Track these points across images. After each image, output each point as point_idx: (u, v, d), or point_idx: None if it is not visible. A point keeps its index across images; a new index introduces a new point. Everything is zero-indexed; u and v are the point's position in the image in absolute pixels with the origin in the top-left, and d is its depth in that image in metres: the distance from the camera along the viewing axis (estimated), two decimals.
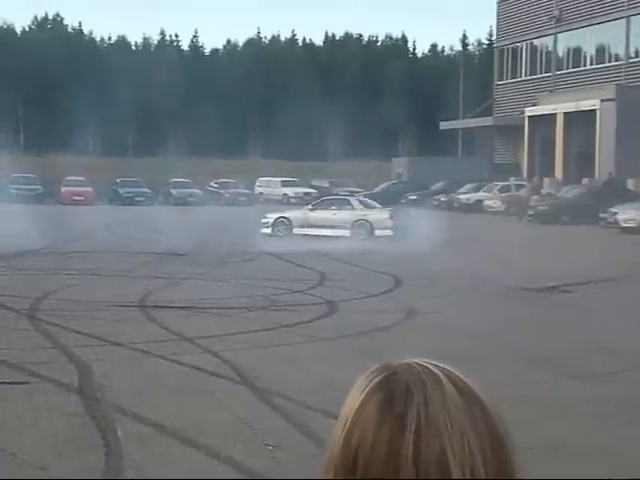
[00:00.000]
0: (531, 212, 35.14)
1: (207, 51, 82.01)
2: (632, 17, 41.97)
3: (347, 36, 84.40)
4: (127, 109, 61.14)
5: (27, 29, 78.07)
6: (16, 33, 76.92)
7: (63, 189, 46.82)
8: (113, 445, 6.55)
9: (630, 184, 36.51)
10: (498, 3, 53.64)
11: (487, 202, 41.58)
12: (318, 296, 14.67)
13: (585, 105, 40.59)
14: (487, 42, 75.68)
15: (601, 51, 44.55)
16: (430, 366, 0.98)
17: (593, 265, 19.57)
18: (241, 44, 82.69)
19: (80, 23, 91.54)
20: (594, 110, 40.13)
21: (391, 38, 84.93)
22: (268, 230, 27.46)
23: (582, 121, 40.89)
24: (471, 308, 13.79)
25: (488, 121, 50.96)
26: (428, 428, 0.93)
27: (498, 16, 53.91)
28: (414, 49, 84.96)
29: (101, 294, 14.31)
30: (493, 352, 10.32)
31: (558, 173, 43.02)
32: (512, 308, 13.89)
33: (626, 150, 37.13)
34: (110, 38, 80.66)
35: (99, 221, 30.97)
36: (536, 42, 49.63)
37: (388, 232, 26.33)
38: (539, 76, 49.01)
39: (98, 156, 61.00)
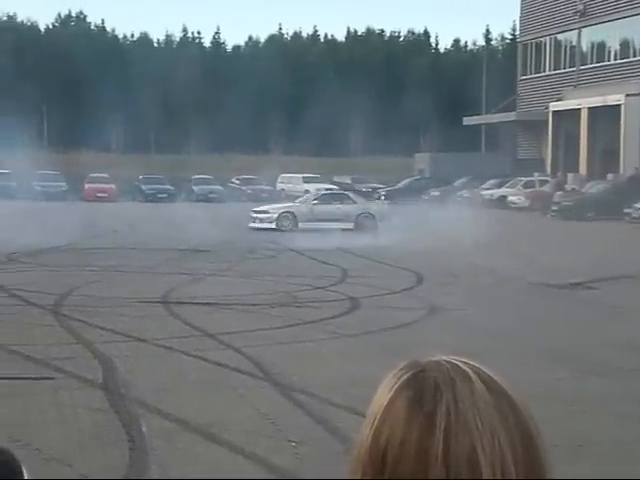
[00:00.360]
0: (555, 208, 34.94)
1: (229, 47, 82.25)
2: None
3: (369, 32, 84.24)
4: (149, 106, 61.38)
5: (51, 27, 78.62)
6: (40, 31, 77.48)
7: (86, 186, 47.05)
8: (137, 440, 6.59)
9: None
10: None
11: (511, 198, 41.37)
12: (340, 292, 14.67)
13: (610, 100, 40.28)
14: (510, 37, 75.24)
15: (625, 46, 44.15)
16: (459, 363, 0.97)
17: (617, 261, 19.42)
18: (263, 40, 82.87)
19: (103, 20, 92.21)
20: (619, 105, 39.81)
21: (413, 33, 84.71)
22: (272, 225, 27.94)
23: (607, 116, 40.58)
24: (494, 305, 13.74)
25: (511, 116, 50.68)
26: (458, 426, 0.92)
27: (521, 11, 53.59)
28: (437, 44, 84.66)
29: (124, 290, 14.39)
30: (516, 349, 10.28)
31: (582, 168, 42.73)
32: (535, 304, 13.82)
33: None
34: (133, 35, 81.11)
35: (122, 218, 31.13)
36: (560, 37, 49.28)
37: (389, 222, 27.16)
38: (563, 71, 48.67)
39: (121, 153, 61.31)
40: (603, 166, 40.91)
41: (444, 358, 0.99)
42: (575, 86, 46.46)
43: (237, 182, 51.91)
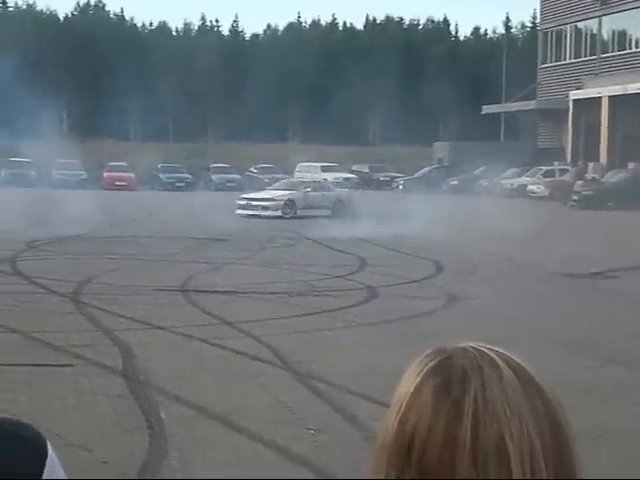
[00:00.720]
0: (575, 197, 34.74)
1: (247, 36, 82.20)
2: None
3: (388, 20, 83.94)
4: (168, 95, 61.49)
5: (70, 15, 78.82)
6: (59, 19, 77.72)
7: (105, 174, 47.22)
8: (157, 427, 6.63)
9: None
10: None
11: (530, 187, 41.18)
12: (359, 281, 14.67)
13: (631, 88, 39.95)
14: (530, 25, 74.79)
15: None
16: (486, 350, 0.96)
17: (638, 251, 19.30)
18: (281, 29, 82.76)
19: (122, 9, 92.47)
20: (639, 93, 39.49)
21: (433, 21, 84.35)
22: (278, 212, 28.69)
23: (628, 104, 40.27)
24: (513, 294, 13.70)
25: (531, 105, 50.36)
26: (486, 413, 0.91)
27: None
28: (456, 32, 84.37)
29: (143, 279, 14.46)
30: (535, 338, 10.25)
31: (603, 157, 42.45)
32: (555, 294, 13.77)
33: None
34: (151, 24, 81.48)
35: (141, 207, 31.24)
36: (580, 25, 48.90)
37: (357, 209, 28.38)
38: (584, 59, 48.32)
39: (139, 141, 61.44)
40: (624, 155, 40.63)
41: (471, 344, 0.97)
42: (596, 74, 46.12)
43: (255, 171, 51.94)
